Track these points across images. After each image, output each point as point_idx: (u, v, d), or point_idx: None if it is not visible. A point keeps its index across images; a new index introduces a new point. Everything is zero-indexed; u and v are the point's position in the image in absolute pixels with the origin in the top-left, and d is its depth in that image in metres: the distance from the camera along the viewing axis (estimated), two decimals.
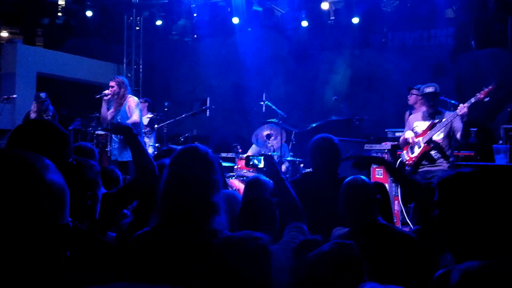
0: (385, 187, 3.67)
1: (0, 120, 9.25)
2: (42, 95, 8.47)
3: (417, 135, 6.03)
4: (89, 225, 2.35)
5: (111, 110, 7.18)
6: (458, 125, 5.73)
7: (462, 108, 5.48)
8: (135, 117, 7.08)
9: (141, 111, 7.38)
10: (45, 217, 0.88)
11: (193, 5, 12.83)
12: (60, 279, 0.95)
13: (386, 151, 6.90)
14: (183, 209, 2.09)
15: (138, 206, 2.90)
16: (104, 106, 7.20)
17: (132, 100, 7.21)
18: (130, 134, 2.76)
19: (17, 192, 0.85)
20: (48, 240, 0.89)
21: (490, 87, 5.54)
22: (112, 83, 7.15)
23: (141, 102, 8.06)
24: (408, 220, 6.27)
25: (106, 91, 7.13)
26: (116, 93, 7.13)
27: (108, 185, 3.27)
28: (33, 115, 8.32)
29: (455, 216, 1.92)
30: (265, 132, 8.01)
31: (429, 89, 5.91)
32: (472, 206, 1.88)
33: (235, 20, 12.40)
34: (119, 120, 7.03)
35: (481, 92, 5.56)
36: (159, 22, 13.45)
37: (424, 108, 6.18)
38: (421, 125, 6.05)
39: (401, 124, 7.51)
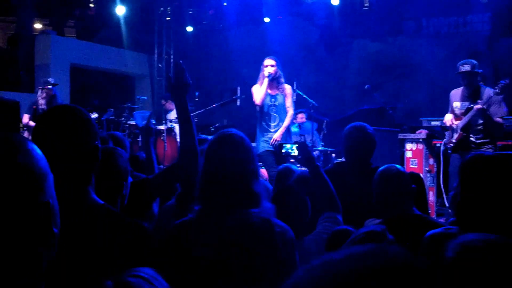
0: (421, 177, 3.57)
1: None
2: (51, 80, 7.88)
3: (456, 117, 5.83)
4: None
5: (262, 94, 5.92)
6: (494, 109, 5.50)
7: (477, 108, 5.45)
8: (291, 110, 6.06)
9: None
10: (20, 193, 0.90)
11: None
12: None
13: (421, 140, 6.73)
14: (222, 196, 2.04)
15: (181, 193, 2.86)
16: (259, 88, 5.99)
17: (289, 88, 6.11)
18: (184, 95, 2.49)
19: None
20: (28, 216, 0.90)
21: None
22: (272, 61, 5.97)
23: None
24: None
25: (270, 70, 5.91)
26: (276, 72, 5.95)
27: (138, 169, 3.28)
28: (42, 101, 7.62)
29: (474, 196, 1.88)
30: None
31: (464, 67, 5.60)
32: (490, 186, 1.84)
33: (265, 8, 12.32)
34: (275, 105, 5.98)
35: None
36: (189, 12, 13.46)
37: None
38: (459, 106, 5.83)
39: (436, 113, 7.31)
